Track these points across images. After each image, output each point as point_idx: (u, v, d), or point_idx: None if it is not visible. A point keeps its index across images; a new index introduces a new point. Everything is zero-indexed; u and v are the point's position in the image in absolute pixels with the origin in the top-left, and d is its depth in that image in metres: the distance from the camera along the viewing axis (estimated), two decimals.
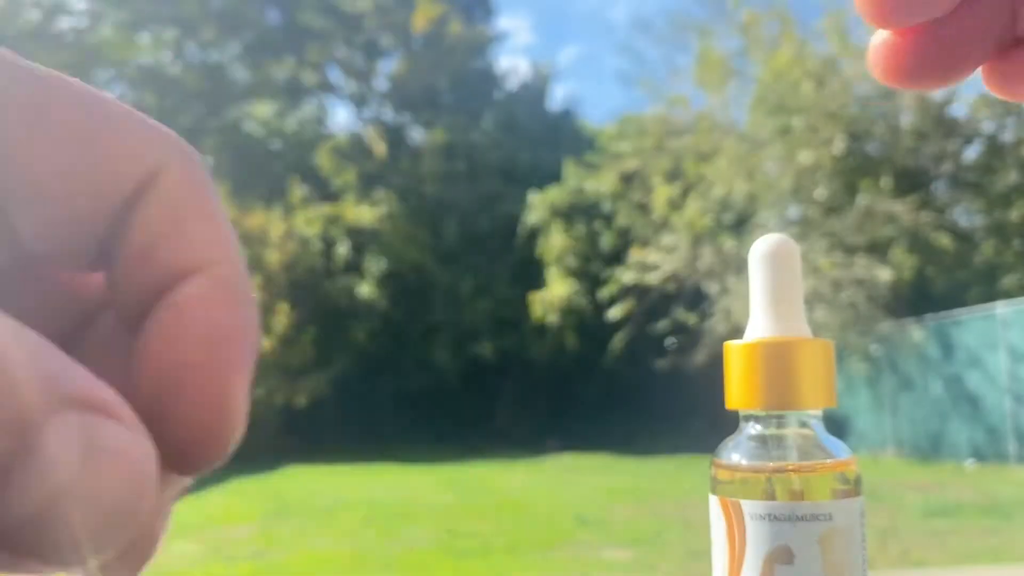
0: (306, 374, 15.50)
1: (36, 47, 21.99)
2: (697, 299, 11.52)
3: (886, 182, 11.15)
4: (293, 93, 25.91)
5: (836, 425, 12.33)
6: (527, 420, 18.34)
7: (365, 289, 17.91)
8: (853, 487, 0.38)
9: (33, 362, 0.13)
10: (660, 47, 12.53)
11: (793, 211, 11.74)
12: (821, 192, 10.85)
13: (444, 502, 7.59)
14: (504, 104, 19.26)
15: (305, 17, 23.14)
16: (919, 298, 12.18)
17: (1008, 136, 11.64)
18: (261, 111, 27.74)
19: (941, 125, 11.40)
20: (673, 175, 12.62)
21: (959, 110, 11.88)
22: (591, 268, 14.85)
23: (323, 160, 19.35)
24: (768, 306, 0.39)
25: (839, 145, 10.76)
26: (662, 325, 11.63)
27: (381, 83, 23.19)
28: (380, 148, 21.66)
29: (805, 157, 10.70)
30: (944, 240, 10.38)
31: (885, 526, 5.83)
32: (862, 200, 10.68)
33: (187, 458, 0.17)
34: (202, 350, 0.17)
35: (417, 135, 20.97)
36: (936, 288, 12.31)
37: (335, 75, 24.90)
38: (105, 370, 0.15)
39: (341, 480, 10.24)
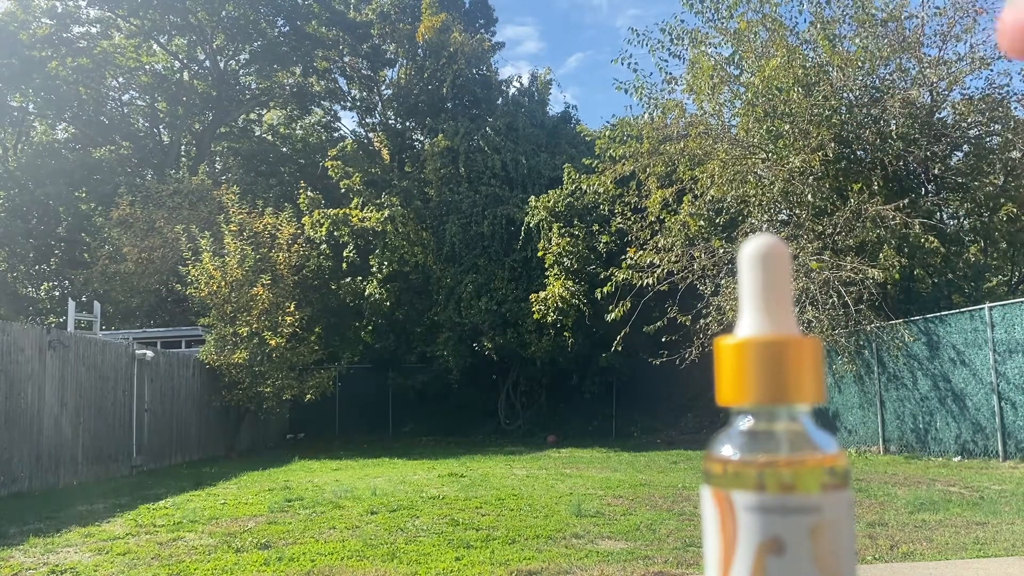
0: (314, 371, 15.78)
1: (49, 54, 22.39)
2: (691, 299, 11.71)
3: (875, 186, 11.29)
4: (301, 100, 26.24)
5: (826, 421, 12.53)
6: (527, 415, 18.62)
7: (370, 289, 18.22)
8: (842, 480, 0.39)
9: None
10: (656, 54, 12.60)
11: (783, 213, 11.91)
12: (810, 195, 11.01)
13: (446, 494, 7.87)
14: (505, 110, 19.50)
15: (312, 26, 23.40)
16: (907, 298, 12.36)
17: (994, 140, 11.78)
18: (270, 117, 28.07)
19: (928, 130, 11.54)
20: (667, 179, 12.82)
21: (946, 115, 12.07)
22: (589, 269, 15.10)
23: (330, 165, 19.64)
24: (759, 305, 0.40)
25: (828, 150, 10.89)
26: (657, 324, 11.79)
27: (386, 90, 23.50)
28: (385, 153, 21.99)
29: (795, 161, 10.85)
30: (932, 242, 10.48)
31: (874, 519, 6.05)
32: (851, 203, 10.81)
33: None
34: None
35: (421, 140, 21.26)
36: (924, 288, 12.50)
37: (341, 83, 25.21)
38: None
39: (347, 473, 10.52)
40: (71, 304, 15.35)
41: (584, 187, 14.28)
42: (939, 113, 12.05)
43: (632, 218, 13.13)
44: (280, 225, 16.09)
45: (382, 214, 17.63)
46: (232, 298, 14.19)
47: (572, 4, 57.24)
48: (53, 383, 9.72)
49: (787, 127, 11.15)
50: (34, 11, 22.59)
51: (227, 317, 14.20)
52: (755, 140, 11.64)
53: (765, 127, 11.37)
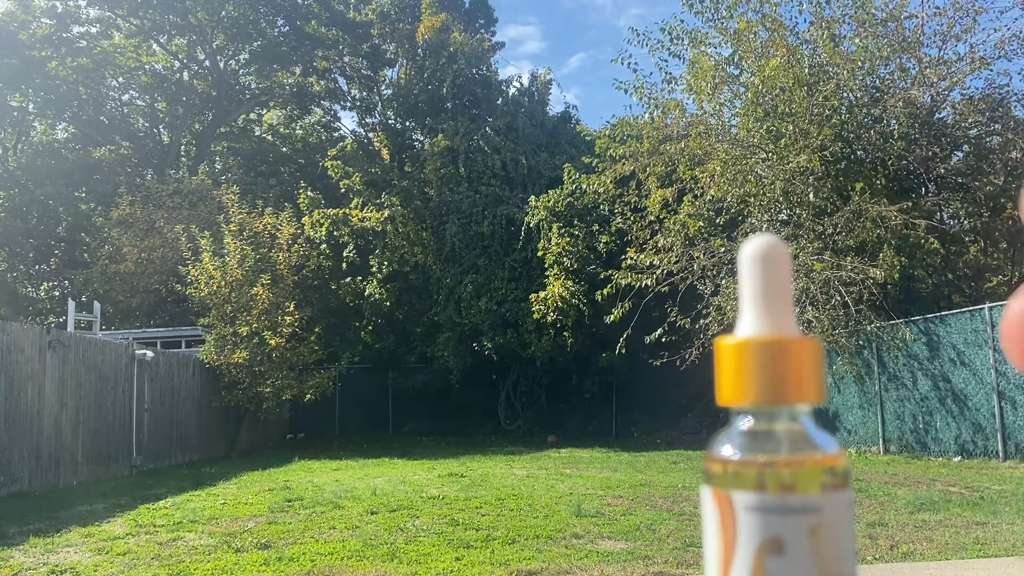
0: (314, 371, 15.79)
1: (49, 54, 22.39)
2: (691, 299, 11.71)
3: (875, 185, 11.29)
4: (301, 100, 26.26)
5: (826, 422, 12.53)
6: (526, 415, 18.62)
7: (370, 289, 18.23)
8: (842, 480, 0.39)
9: None
10: (656, 54, 12.58)
11: (784, 213, 11.91)
12: (811, 195, 11.02)
13: (446, 494, 7.87)
14: (505, 110, 19.52)
15: (312, 26, 23.41)
16: (907, 298, 12.37)
17: (994, 140, 11.79)
18: (270, 117, 28.08)
19: (928, 130, 11.55)
20: (667, 179, 12.82)
21: (946, 115, 12.08)
22: (589, 269, 15.12)
23: (330, 165, 19.65)
24: (759, 305, 0.40)
25: (829, 149, 10.89)
26: (658, 331, 11.76)
27: (386, 90, 23.52)
28: (385, 153, 22.01)
29: (796, 161, 10.85)
30: (932, 243, 10.48)
31: (874, 519, 6.07)
32: (852, 203, 10.81)
33: None
34: None
35: (421, 140, 21.27)
36: (924, 288, 12.50)
37: (341, 83, 25.23)
38: None
39: (347, 473, 10.52)
40: (71, 304, 15.36)
41: (584, 187, 14.29)
42: (939, 113, 12.07)
43: (632, 218, 13.13)
44: (280, 225, 16.10)
45: (382, 214, 17.64)
46: (232, 298, 14.19)
47: (576, 4, 57.21)
48: (53, 383, 9.72)
49: (788, 127, 11.15)
50: (34, 11, 22.59)
51: (227, 317, 14.20)
52: (755, 140, 11.64)
53: (765, 127, 11.37)
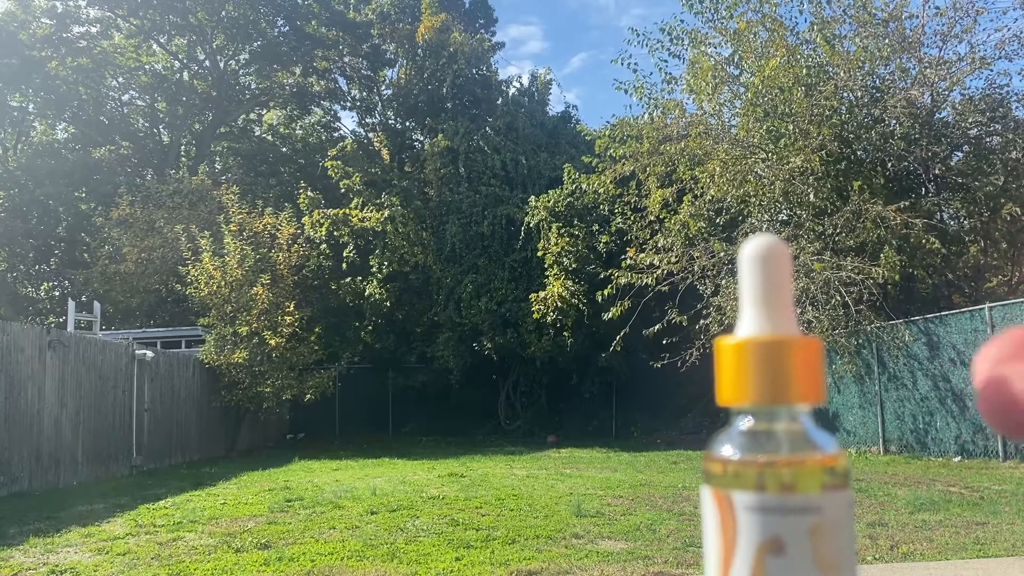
0: (314, 371, 15.78)
1: (49, 54, 22.39)
2: (691, 299, 11.71)
3: (875, 185, 11.30)
4: (301, 100, 26.26)
5: (826, 422, 12.53)
6: (526, 415, 18.63)
7: (370, 289, 18.23)
8: (842, 480, 0.39)
9: None
10: (656, 55, 12.58)
11: (784, 213, 11.91)
12: (811, 195, 11.02)
13: (446, 494, 7.87)
14: (505, 110, 19.52)
15: (312, 26, 23.42)
16: (907, 298, 12.37)
17: (994, 140, 11.80)
18: (270, 117, 28.08)
19: (928, 130, 11.56)
20: (667, 179, 12.83)
21: (946, 115, 12.08)
22: (588, 269, 15.12)
23: (330, 165, 19.65)
24: (759, 305, 0.40)
25: (829, 149, 10.90)
26: (656, 327, 11.77)
27: (386, 90, 23.53)
28: (385, 153, 22.01)
29: (796, 161, 10.84)
30: (932, 242, 10.48)
31: (874, 519, 6.07)
32: (852, 203, 10.81)
33: None
34: None
35: (421, 140, 21.28)
36: (924, 288, 12.50)
37: (341, 83, 25.23)
38: None
39: (347, 473, 10.52)
40: (71, 304, 15.35)
41: (584, 187, 14.30)
42: (939, 113, 12.07)
43: (632, 218, 13.14)
44: (280, 225, 16.10)
45: (382, 214, 17.64)
46: (232, 298, 14.19)
47: (577, 3, 57.19)
48: (53, 383, 9.72)
49: (788, 127, 11.15)
50: (34, 11, 22.59)
51: (227, 317, 14.20)
52: (755, 140, 11.64)
53: (765, 127, 11.37)
